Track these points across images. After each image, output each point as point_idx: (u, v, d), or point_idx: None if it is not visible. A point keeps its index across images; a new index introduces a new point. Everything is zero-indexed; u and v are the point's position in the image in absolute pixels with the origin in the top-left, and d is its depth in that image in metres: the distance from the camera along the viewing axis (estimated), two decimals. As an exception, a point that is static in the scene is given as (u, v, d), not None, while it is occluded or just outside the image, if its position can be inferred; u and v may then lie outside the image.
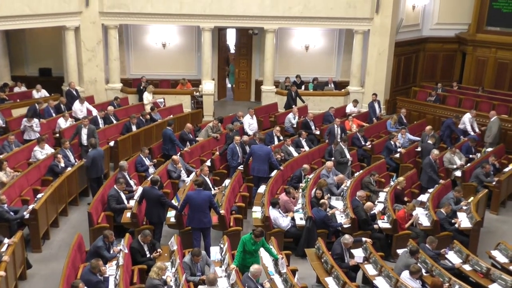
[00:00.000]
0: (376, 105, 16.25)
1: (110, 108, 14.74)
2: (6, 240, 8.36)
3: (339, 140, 13.83)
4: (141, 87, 16.72)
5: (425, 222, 10.25)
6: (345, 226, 9.91)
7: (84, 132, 12.59)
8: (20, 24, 15.31)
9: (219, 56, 19.43)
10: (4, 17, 14.66)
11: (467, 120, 14.71)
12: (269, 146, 12.56)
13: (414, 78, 19.71)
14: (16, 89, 16.66)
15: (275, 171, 11.80)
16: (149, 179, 10.48)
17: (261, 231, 8.19)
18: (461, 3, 18.97)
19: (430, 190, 11.50)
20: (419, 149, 13.47)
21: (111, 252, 8.44)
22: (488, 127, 14.31)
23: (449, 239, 9.75)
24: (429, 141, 13.11)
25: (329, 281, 8.15)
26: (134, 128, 13.99)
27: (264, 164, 11.59)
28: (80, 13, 16.28)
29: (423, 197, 11.33)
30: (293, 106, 16.11)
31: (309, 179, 11.44)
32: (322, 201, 10.10)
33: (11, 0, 14.66)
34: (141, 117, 14.42)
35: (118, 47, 17.33)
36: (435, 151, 12.15)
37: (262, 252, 8.52)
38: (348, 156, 12.53)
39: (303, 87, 18.33)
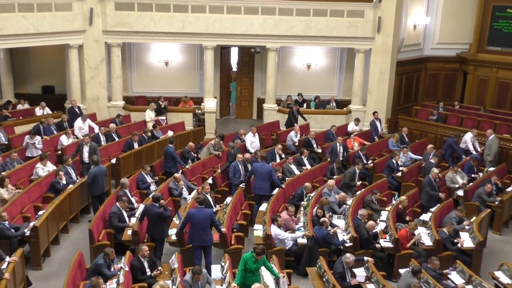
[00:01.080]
0: (377, 123, 16.32)
1: (112, 125, 14.84)
2: (7, 258, 8.35)
3: (341, 158, 13.88)
4: (162, 106, 16.84)
5: (427, 241, 10.22)
6: (346, 244, 9.88)
7: (85, 149, 12.64)
8: (24, 43, 15.48)
9: (222, 74, 19.58)
10: (8, 35, 14.84)
11: (468, 139, 14.75)
12: (270, 164, 12.59)
13: (416, 97, 19.80)
14: (19, 107, 16.78)
15: (276, 189, 11.82)
16: (150, 196, 10.50)
17: (262, 249, 8.18)
18: (462, 23, 19.15)
19: (432, 209, 11.49)
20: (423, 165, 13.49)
21: (112, 269, 8.42)
22: (487, 145, 14.34)
23: (452, 259, 9.71)
24: (432, 160, 13.13)
25: (331, 300, 8.09)
26: (136, 145, 14.05)
27: (266, 182, 11.61)
28: (84, 31, 16.47)
29: (425, 216, 11.31)
30: (295, 124, 16.17)
31: (310, 197, 11.44)
32: (323, 219, 10.08)
33: (16, 19, 14.85)
34: (143, 135, 14.48)
35: (120, 65, 17.48)
36: (435, 170, 12.17)
37: (263, 270, 8.49)
38: (356, 181, 12.54)
39: (305, 105, 18.41)
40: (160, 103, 17.05)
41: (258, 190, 11.69)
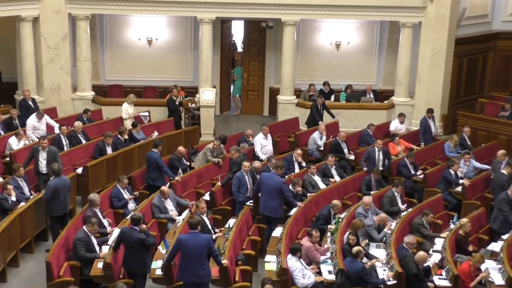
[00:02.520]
0: (430, 122, 16.26)
1: (78, 123, 14.88)
2: None
3: (380, 167, 13.83)
4: (176, 102, 16.76)
5: (498, 279, 10.13)
6: (389, 283, 9.85)
7: (42, 156, 12.67)
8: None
9: (222, 56, 19.60)
10: None
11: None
12: (284, 176, 12.53)
13: (481, 87, 19.72)
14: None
15: (294, 209, 11.79)
16: (128, 217, 10.49)
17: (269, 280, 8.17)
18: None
19: (505, 236, 11.42)
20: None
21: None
22: None
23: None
24: (504, 171, 13.05)
25: None
26: (109, 150, 14.09)
27: (274, 199, 11.55)
28: (41, -1, 16.61)
29: (495, 246, 11.23)
30: (320, 122, 16.16)
31: (340, 219, 11.42)
32: (356, 248, 10.05)
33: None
34: (118, 136, 14.53)
35: (89, 44, 17.56)
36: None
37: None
38: (400, 204, 12.51)
39: (332, 97, 18.38)
40: (175, 97, 16.80)
41: (263, 210, 11.67)
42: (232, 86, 20.39)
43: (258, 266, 11.00)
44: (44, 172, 12.56)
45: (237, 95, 20.27)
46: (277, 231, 11.23)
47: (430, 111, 16.37)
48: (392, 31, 18.87)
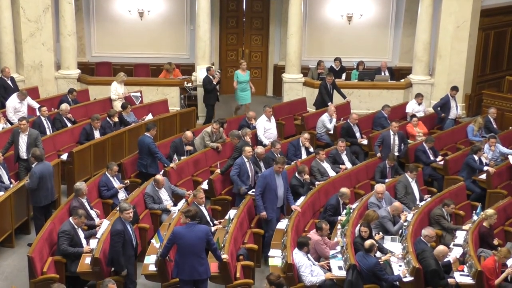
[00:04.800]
0: (453, 102, 16.23)
1: (66, 107, 14.83)
2: None
3: (396, 153, 13.84)
4: (213, 82, 16.57)
5: (525, 275, 10.20)
6: (405, 279, 9.90)
7: (22, 139, 12.72)
8: None
9: (222, 30, 19.59)
10: None
11: None
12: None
13: (510, 63, 19.68)
14: None
15: (301, 199, 11.85)
16: (118, 208, 10.55)
17: (277, 277, 8.22)
18: None
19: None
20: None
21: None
22: None
23: None
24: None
25: None
26: (97, 134, 14.13)
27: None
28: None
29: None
30: (329, 103, 16.18)
31: (351, 210, 11.46)
32: (368, 242, 10.08)
33: None
34: (107, 119, 14.57)
35: (74, 17, 17.51)
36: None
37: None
38: (416, 193, 12.55)
39: (343, 75, 18.37)
40: (211, 76, 16.64)
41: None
42: (239, 94, 17.48)
43: (261, 261, 11.09)
44: (25, 157, 12.61)
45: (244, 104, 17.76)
46: (282, 223, 11.28)
47: (454, 88, 16.31)
48: (410, 1, 18.84)
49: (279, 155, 12.79)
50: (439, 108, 16.18)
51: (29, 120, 13.45)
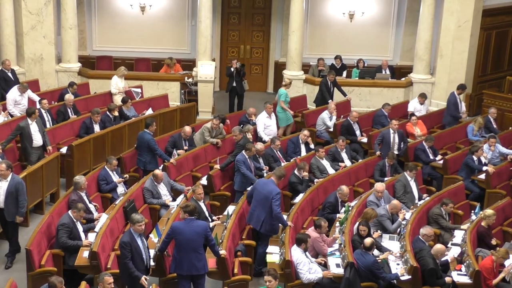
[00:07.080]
0: (458, 100, 16.18)
1: (70, 97, 14.88)
2: None
3: (396, 152, 13.85)
4: (238, 73, 16.78)
5: (523, 276, 10.22)
6: (402, 278, 9.92)
7: (34, 128, 12.74)
8: None
9: (223, 25, 19.56)
10: None
11: None
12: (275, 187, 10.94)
13: (511, 63, 19.67)
14: None
15: (300, 195, 11.83)
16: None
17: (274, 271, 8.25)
18: None
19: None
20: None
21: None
22: None
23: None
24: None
25: None
26: (96, 128, 14.14)
27: (261, 211, 10.56)
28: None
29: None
30: (329, 100, 16.18)
31: (350, 208, 11.48)
32: (367, 240, 10.10)
33: None
34: (107, 113, 14.58)
35: (76, 10, 17.51)
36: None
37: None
38: (415, 192, 12.57)
39: (344, 73, 18.37)
40: (232, 69, 16.83)
41: (249, 219, 10.87)
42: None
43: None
44: (39, 145, 12.76)
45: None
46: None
47: (461, 87, 16.25)
48: (412, 0, 18.81)
49: (278, 153, 12.82)
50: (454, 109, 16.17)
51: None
